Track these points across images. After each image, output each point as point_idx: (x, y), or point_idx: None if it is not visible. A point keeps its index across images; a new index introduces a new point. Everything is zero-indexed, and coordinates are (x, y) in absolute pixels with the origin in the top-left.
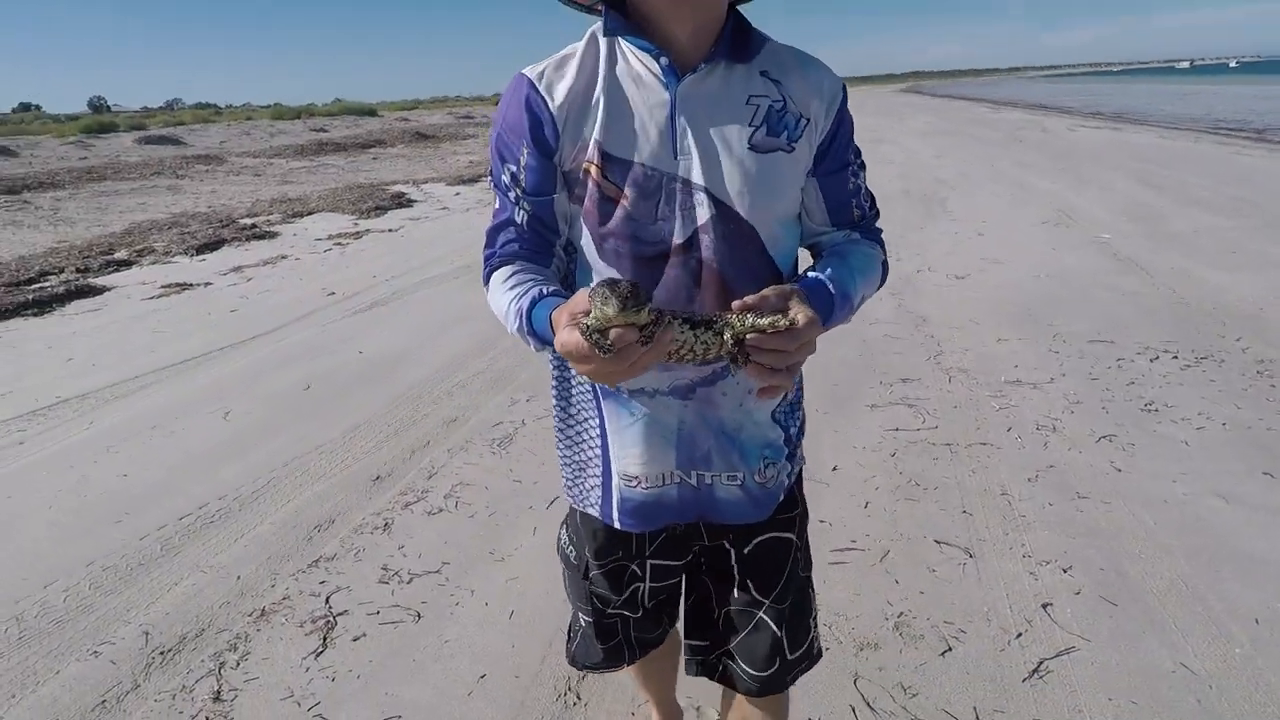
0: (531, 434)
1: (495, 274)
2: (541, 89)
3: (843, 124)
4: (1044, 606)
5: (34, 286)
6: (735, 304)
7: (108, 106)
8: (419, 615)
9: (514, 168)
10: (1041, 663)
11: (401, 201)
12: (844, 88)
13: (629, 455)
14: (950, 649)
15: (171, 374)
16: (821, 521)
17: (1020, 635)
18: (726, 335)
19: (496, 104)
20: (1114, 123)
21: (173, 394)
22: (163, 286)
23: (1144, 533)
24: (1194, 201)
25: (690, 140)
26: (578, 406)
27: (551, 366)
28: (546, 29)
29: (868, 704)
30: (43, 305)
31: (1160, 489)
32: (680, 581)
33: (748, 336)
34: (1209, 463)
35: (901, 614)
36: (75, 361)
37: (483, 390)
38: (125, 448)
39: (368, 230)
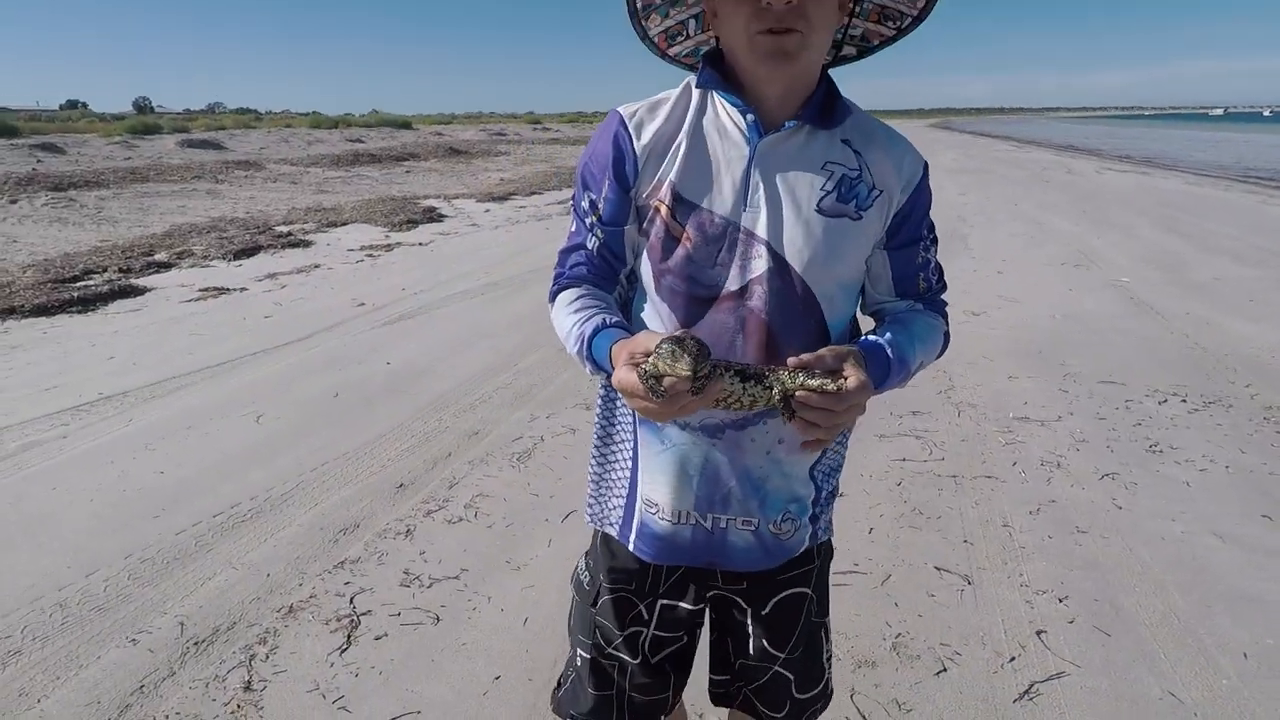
0: (550, 450)
1: (562, 294)
2: (630, 127)
3: (918, 202)
4: (1038, 633)
5: (79, 285)
6: (791, 360)
7: (152, 108)
8: (438, 618)
9: (594, 196)
10: (1032, 685)
11: (432, 216)
12: (925, 166)
13: (654, 482)
14: (945, 669)
15: (207, 376)
16: None
17: (1013, 659)
18: (775, 390)
19: (528, 122)
20: (1142, 167)
21: (208, 396)
22: (200, 290)
23: (1140, 567)
24: (1218, 250)
25: (761, 194)
26: (618, 428)
27: (600, 387)
28: (581, 56)
29: (863, 718)
30: (87, 303)
31: (1159, 527)
32: (686, 643)
33: (797, 393)
34: (1209, 503)
35: (899, 635)
36: (116, 360)
37: (504, 405)
38: (162, 445)
39: (399, 243)
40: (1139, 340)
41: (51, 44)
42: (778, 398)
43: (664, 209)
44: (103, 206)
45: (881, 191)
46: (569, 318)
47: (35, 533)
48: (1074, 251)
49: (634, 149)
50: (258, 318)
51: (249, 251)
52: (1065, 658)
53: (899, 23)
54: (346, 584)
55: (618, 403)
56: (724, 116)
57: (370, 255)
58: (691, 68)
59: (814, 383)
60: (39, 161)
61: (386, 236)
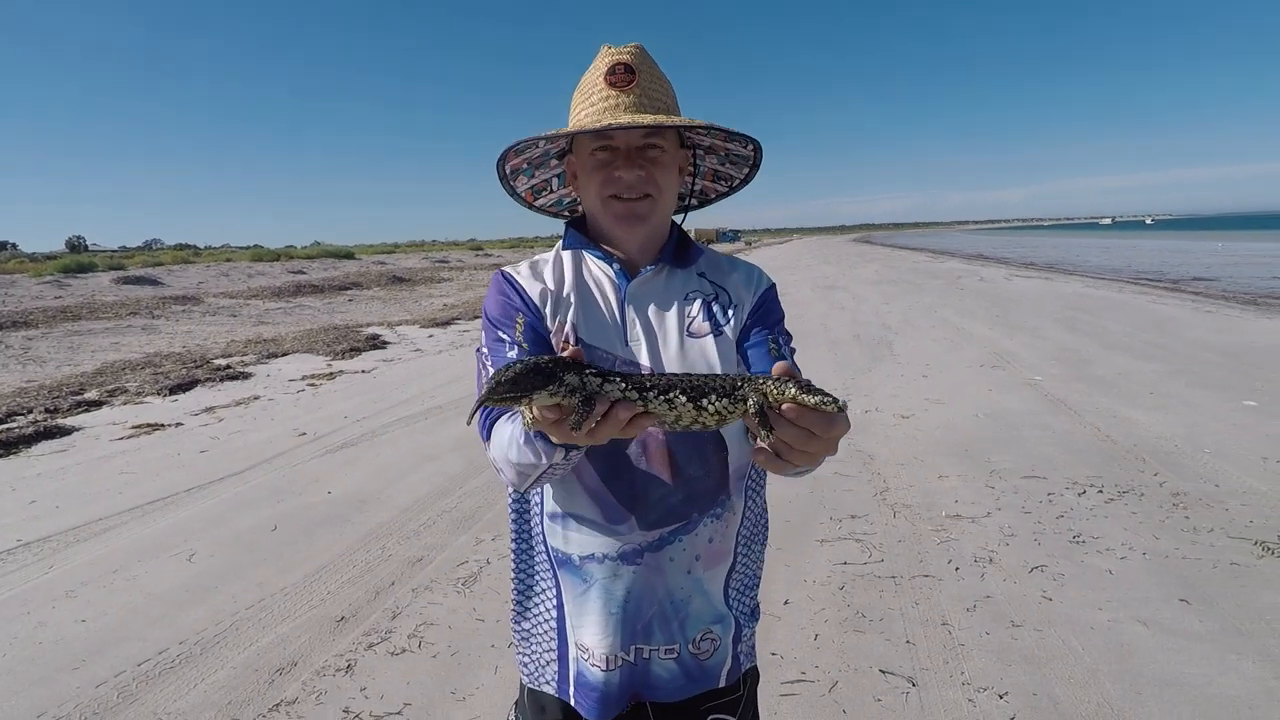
0: (496, 572)
1: (498, 423)
2: (522, 281)
3: (766, 303)
4: None
5: (0, 428)
6: (777, 368)
7: (86, 246)
8: None
9: (509, 330)
10: None
11: (376, 343)
12: (772, 283)
13: (584, 625)
14: None
15: (137, 515)
16: (773, 654)
17: None
18: (752, 401)
19: (470, 249)
20: (1046, 272)
21: (137, 536)
22: (133, 427)
23: (1073, 658)
24: (1116, 346)
25: (638, 329)
26: (537, 576)
27: (511, 538)
28: None
29: None
30: (8, 446)
31: (1087, 616)
32: None
33: (783, 407)
34: (1130, 590)
35: None
36: (38, 504)
37: (448, 529)
38: (85, 592)
39: (341, 371)
40: (1055, 435)
41: None
42: (753, 409)
43: (569, 348)
44: (30, 346)
45: (737, 305)
46: (506, 429)
47: None
48: (990, 353)
49: (532, 298)
50: (193, 453)
51: (185, 386)
52: None
53: (730, 183)
54: None
55: (534, 550)
56: (595, 269)
57: (312, 384)
58: (557, 215)
59: (812, 399)
60: None
61: (329, 365)
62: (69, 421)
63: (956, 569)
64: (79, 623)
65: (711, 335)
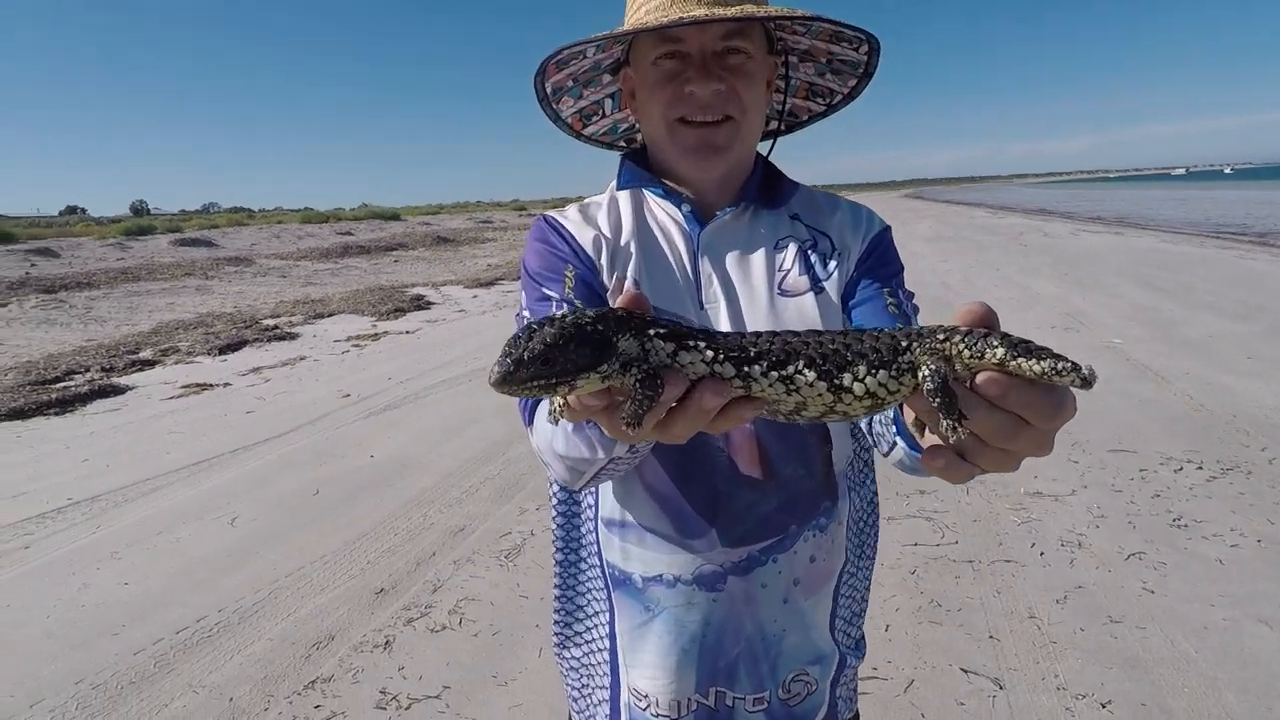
0: (540, 545)
1: (541, 405)
2: (569, 227)
3: (878, 250)
4: None
5: (59, 385)
6: (966, 312)
7: (148, 210)
8: None
9: (557, 286)
10: None
11: (420, 304)
12: (885, 226)
13: (641, 666)
14: None
15: (183, 476)
16: None
17: None
18: (928, 370)
19: (514, 209)
20: (1115, 227)
21: (182, 498)
22: (183, 387)
23: (1185, 663)
24: (1202, 305)
25: (716, 287)
26: (586, 596)
27: (555, 543)
28: (564, 143)
29: None
30: (65, 404)
31: (1198, 614)
32: None
33: (985, 378)
34: (1247, 583)
35: None
36: (90, 462)
37: (491, 498)
38: (129, 554)
39: (386, 332)
40: (1142, 404)
41: (52, 152)
42: (930, 384)
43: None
44: (92, 306)
45: (841, 253)
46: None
47: None
48: (1061, 314)
49: (584, 247)
50: (239, 413)
51: (234, 346)
52: None
53: (828, 99)
54: (317, 708)
55: (584, 562)
56: (659, 211)
57: (357, 345)
58: (611, 146)
59: (1038, 364)
60: (33, 266)
61: (374, 326)
62: (123, 380)
63: (1041, 553)
64: (121, 585)
65: (810, 292)
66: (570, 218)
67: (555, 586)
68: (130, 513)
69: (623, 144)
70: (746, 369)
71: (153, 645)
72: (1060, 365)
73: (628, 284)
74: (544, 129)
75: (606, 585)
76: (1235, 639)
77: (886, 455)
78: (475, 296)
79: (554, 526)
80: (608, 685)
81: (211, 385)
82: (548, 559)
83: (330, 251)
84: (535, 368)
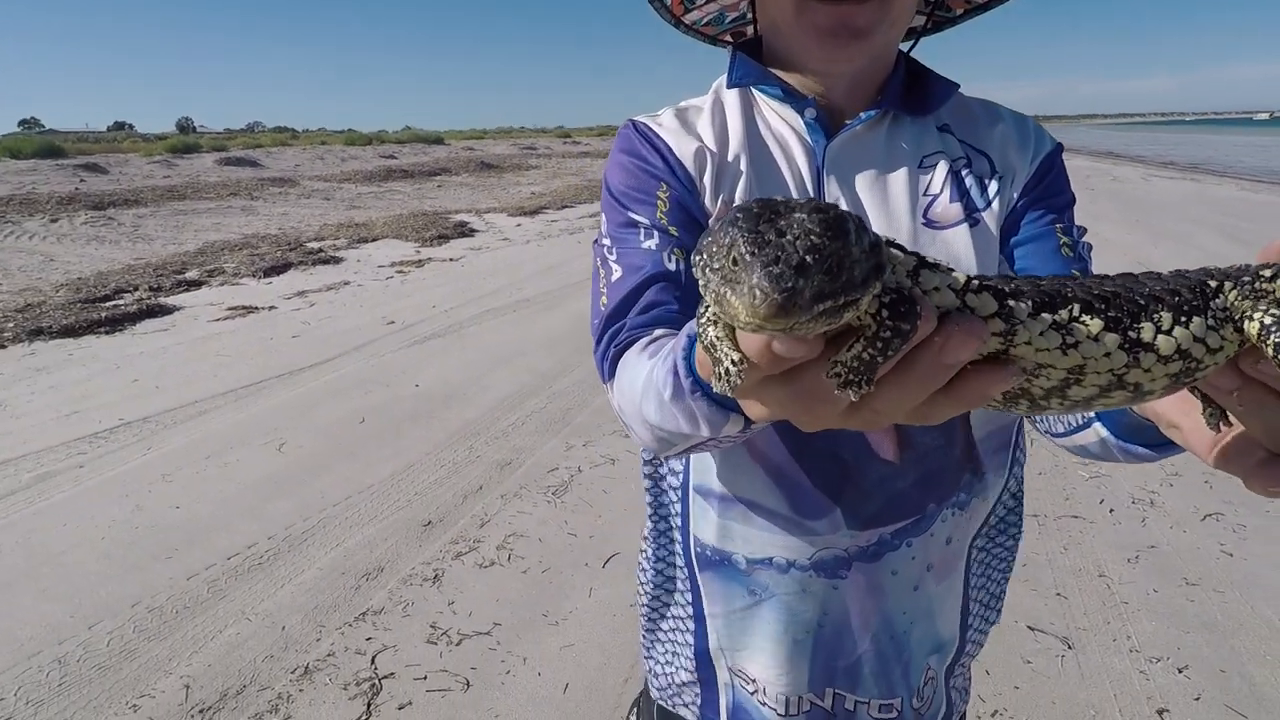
0: (587, 482)
1: (626, 354)
2: (665, 137)
3: (1050, 173)
4: (1159, 713)
5: (109, 304)
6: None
7: (194, 127)
8: (468, 683)
9: (648, 210)
10: None
11: (464, 231)
12: (1057, 144)
13: (748, 650)
14: None
15: (230, 400)
16: None
17: None
18: (1270, 318)
19: (558, 136)
20: (1190, 173)
21: (230, 421)
22: (229, 309)
23: (1268, 631)
24: None
25: None
26: (673, 571)
27: (647, 507)
28: (610, 71)
29: None
30: (115, 323)
31: None
32: None
33: None
34: None
35: (996, 712)
36: (140, 383)
37: (538, 432)
38: (180, 477)
39: (429, 259)
40: None
41: (101, 68)
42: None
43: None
44: (140, 224)
45: (1003, 176)
46: (641, 367)
47: (41, 576)
48: (1132, 262)
49: (683, 161)
50: (285, 338)
51: (279, 269)
52: None
53: None
54: (368, 640)
55: (670, 535)
56: (774, 118)
57: (400, 271)
58: (714, 40)
59: None
60: (81, 181)
61: (417, 252)
62: (171, 301)
63: (1111, 510)
64: (173, 509)
65: (964, 223)
66: (666, 125)
67: (644, 556)
68: (180, 435)
69: (728, 39)
70: (1011, 305)
71: (205, 570)
72: None
73: None
74: (590, 56)
75: (690, 563)
76: None
77: (1062, 437)
78: (519, 225)
79: (645, 489)
80: (693, 669)
81: (257, 308)
82: (595, 496)
83: (374, 175)
84: (819, 279)
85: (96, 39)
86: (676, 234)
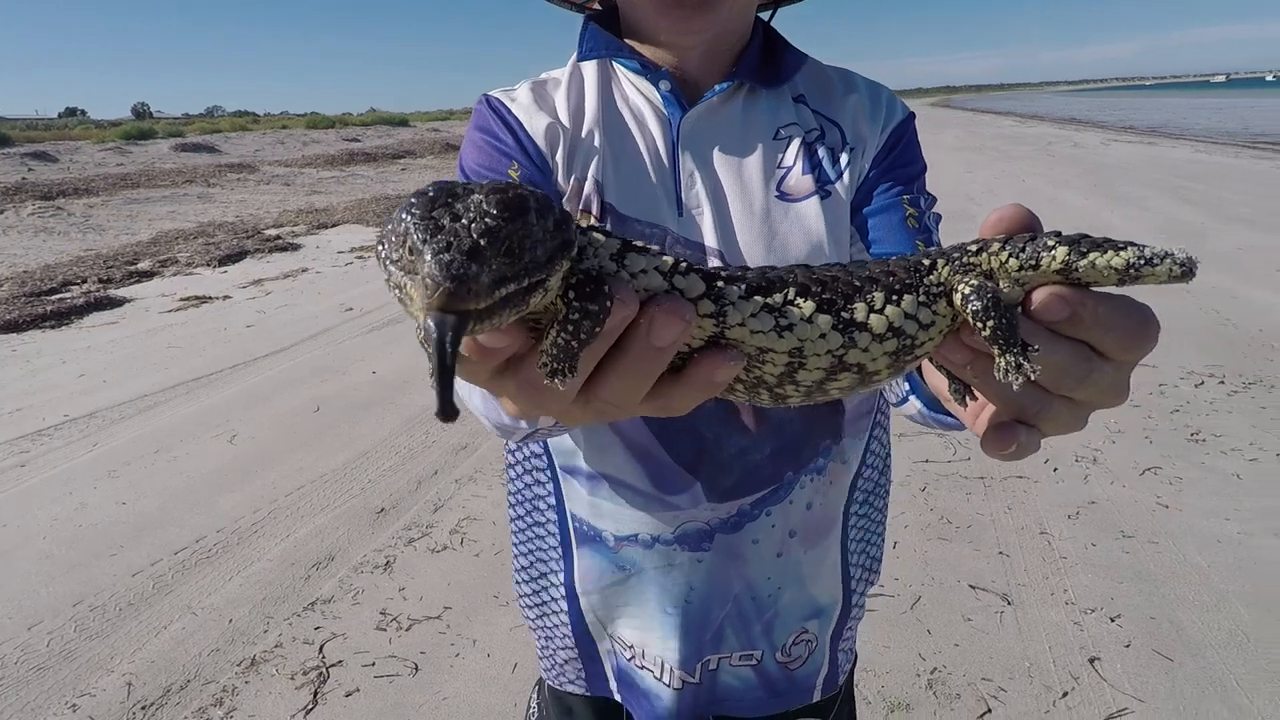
0: None
1: None
2: (517, 112)
3: (901, 143)
4: (1091, 661)
5: (55, 297)
6: (996, 218)
7: (150, 113)
8: (416, 667)
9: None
10: None
11: None
12: (909, 113)
13: (625, 618)
14: (989, 710)
15: (181, 393)
16: None
17: (1066, 695)
18: (967, 288)
19: None
20: (1148, 137)
21: (180, 415)
22: (182, 299)
23: (1198, 577)
24: (1235, 219)
25: (699, 189)
26: (542, 546)
27: (507, 485)
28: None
29: None
30: (61, 317)
31: (1212, 527)
32: None
33: (1036, 295)
34: (1264, 498)
35: (935, 669)
36: (87, 377)
37: None
38: (127, 472)
39: None
40: (1165, 317)
41: (51, 53)
42: (977, 305)
43: (593, 221)
44: (90, 214)
45: (854, 147)
46: None
47: None
48: (1088, 227)
49: (534, 137)
50: (239, 327)
51: (235, 257)
52: (1125, 690)
53: None
54: (317, 629)
55: (538, 509)
56: (631, 90)
57: (360, 257)
58: (582, 7)
59: (1117, 257)
60: (29, 170)
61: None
62: (121, 292)
63: (1055, 469)
64: (119, 505)
65: (815, 196)
66: (519, 100)
67: (512, 534)
68: (127, 430)
69: (597, 4)
70: (721, 286)
71: (150, 566)
72: (1149, 252)
73: (587, 190)
74: (559, 30)
75: (566, 538)
76: (1248, 553)
77: (897, 406)
78: None
79: (506, 464)
80: (572, 645)
81: (211, 298)
82: None
83: (336, 159)
84: (498, 263)
85: (47, 22)
86: None
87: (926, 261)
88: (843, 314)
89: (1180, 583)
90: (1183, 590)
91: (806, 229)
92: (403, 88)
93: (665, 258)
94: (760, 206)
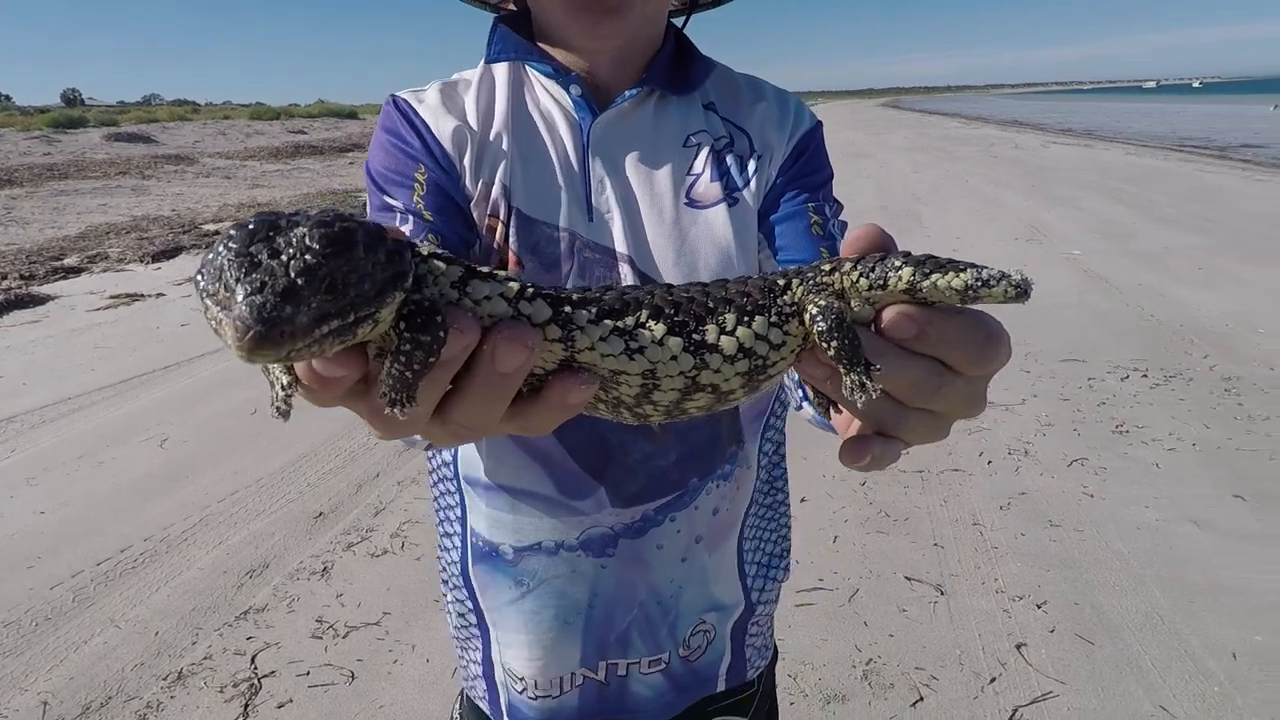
0: None
1: None
2: (424, 114)
3: (807, 152)
4: (1018, 647)
5: None
6: (852, 238)
7: (82, 100)
8: (353, 675)
9: (404, 193)
10: (1016, 711)
11: None
12: (817, 122)
13: (514, 646)
14: (922, 698)
15: (109, 395)
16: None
17: (994, 680)
18: (816, 308)
19: None
20: (1084, 139)
21: (107, 418)
22: (111, 297)
23: (1118, 563)
24: (1162, 219)
25: (610, 194)
26: (451, 559)
27: (432, 498)
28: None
29: None
30: None
31: (1132, 515)
32: None
33: (885, 314)
34: (1180, 486)
35: (870, 660)
36: (5, 380)
37: None
38: (47, 480)
39: None
40: (1095, 315)
41: None
42: (823, 325)
43: (499, 227)
44: (13, 207)
45: (762, 155)
46: None
47: None
48: (1026, 226)
49: (441, 140)
50: (173, 326)
51: (170, 253)
52: (1049, 674)
53: None
54: (249, 639)
55: (453, 510)
56: (543, 94)
57: None
58: (495, 6)
59: (956, 278)
60: None
61: None
62: (44, 290)
63: (989, 462)
64: (38, 514)
65: (724, 203)
66: (427, 101)
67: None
68: (49, 435)
69: (511, 5)
70: (569, 311)
71: (71, 578)
72: (986, 273)
73: (495, 194)
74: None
75: (464, 558)
76: (1165, 539)
77: (796, 410)
78: None
79: (429, 481)
80: (479, 659)
81: (143, 296)
82: None
83: (281, 151)
84: (319, 300)
85: None
86: (431, 219)
87: (782, 281)
88: (694, 336)
89: (1102, 569)
90: (1104, 576)
91: (715, 236)
92: (352, 79)
93: (511, 284)
94: (670, 213)
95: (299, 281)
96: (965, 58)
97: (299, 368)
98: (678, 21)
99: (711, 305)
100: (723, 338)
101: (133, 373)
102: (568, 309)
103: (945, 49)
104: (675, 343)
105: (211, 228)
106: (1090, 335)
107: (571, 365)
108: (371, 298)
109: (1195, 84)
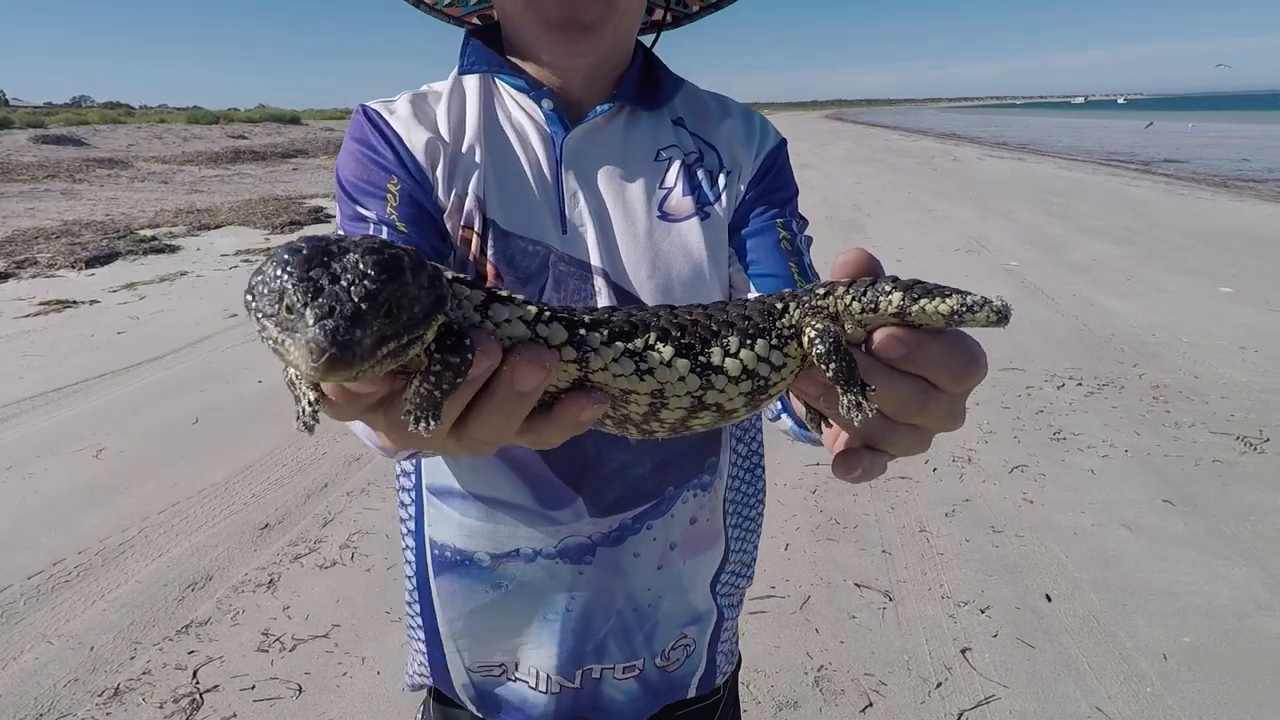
0: None
1: None
2: (395, 125)
3: (774, 168)
4: (963, 651)
5: None
6: (845, 260)
7: (6, 100)
8: (300, 688)
9: (377, 204)
10: (962, 715)
11: (319, 216)
12: (781, 139)
13: (491, 642)
14: (871, 704)
15: (39, 405)
16: None
17: (940, 685)
18: (814, 331)
19: None
20: (1018, 153)
21: (37, 428)
22: (41, 303)
23: (1056, 568)
24: (1091, 230)
25: (583, 208)
26: (407, 573)
27: (399, 504)
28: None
29: None
30: None
31: (1069, 520)
32: None
33: (876, 336)
34: (1113, 491)
35: (822, 667)
36: None
37: None
38: None
39: None
40: (1032, 324)
41: None
42: (821, 347)
43: (474, 239)
44: None
45: (731, 170)
46: None
47: None
48: (965, 237)
49: (414, 152)
50: (109, 334)
51: (104, 259)
52: (992, 678)
53: None
54: (190, 653)
55: (408, 523)
56: (514, 107)
57: (247, 260)
58: (461, 21)
59: (943, 304)
60: None
61: (266, 239)
62: None
63: (934, 470)
64: None
65: (696, 217)
66: (399, 112)
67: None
68: None
69: (477, 20)
70: (583, 334)
71: None
72: (970, 300)
73: (469, 205)
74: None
75: (421, 566)
76: (1100, 543)
77: (773, 421)
78: None
79: (395, 488)
80: (427, 672)
81: (76, 302)
82: None
83: (220, 156)
84: (379, 324)
85: None
86: (405, 230)
87: (779, 305)
88: (700, 358)
89: (1041, 574)
90: (1043, 581)
91: (688, 249)
92: (295, 84)
93: (530, 307)
94: (643, 226)
95: (363, 306)
96: (906, 72)
97: (330, 387)
98: (646, 40)
99: (715, 328)
100: (727, 360)
101: (65, 381)
102: (583, 331)
103: (887, 62)
104: (683, 364)
105: (148, 233)
106: (1028, 344)
107: (584, 384)
108: (420, 320)
109: (1120, 100)
